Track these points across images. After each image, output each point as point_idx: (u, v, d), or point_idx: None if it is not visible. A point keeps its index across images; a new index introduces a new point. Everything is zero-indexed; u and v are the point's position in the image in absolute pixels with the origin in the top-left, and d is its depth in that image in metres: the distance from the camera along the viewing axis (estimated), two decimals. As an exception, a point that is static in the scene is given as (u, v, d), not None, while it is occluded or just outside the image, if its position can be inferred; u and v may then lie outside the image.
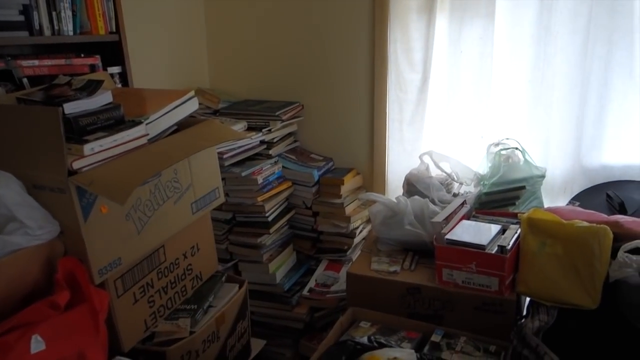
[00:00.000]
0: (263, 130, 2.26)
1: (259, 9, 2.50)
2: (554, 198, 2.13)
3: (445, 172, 2.12)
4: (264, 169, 2.20)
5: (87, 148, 1.26)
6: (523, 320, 1.59)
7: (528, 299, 1.66)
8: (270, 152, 2.28)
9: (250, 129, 2.27)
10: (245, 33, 2.56)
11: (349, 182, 2.34)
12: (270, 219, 2.20)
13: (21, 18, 1.55)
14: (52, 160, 1.23)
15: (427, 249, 1.79)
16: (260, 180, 2.14)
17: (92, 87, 1.42)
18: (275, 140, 2.33)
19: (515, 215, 1.79)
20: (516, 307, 1.59)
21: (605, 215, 1.62)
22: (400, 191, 2.19)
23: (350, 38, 2.34)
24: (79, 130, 1.31)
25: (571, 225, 1.52)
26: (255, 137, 2.23)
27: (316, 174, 2.31)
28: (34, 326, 1.08)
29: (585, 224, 1.51)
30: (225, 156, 2.08)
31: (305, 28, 2.42)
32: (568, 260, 1.50)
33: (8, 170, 1.25)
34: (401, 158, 2.36)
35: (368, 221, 2.39)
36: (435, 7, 2.11)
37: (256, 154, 2.26)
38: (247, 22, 2.54)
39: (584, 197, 1.95)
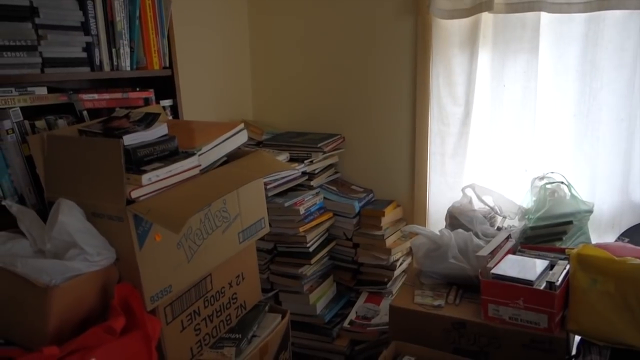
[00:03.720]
0: (305, 161, 2.30)
1: (302, 44, 2.57)
2: (602, 234, 2.08)
3: (489, 206, 2.10)
4: (305, 199, 2.22)
5: (145, 178, 1.32)
6: None
7: (578, 337, 1.61)
8: (312, 183, 2.32)
9: (292, 160, 2.31)
10: (288, 67, 2.64)
11: (390, 214, 2.35)
12: (311, 249, 2.22)
13: (84, 55, 1.64)
14: (112, 189, 1.29)
15: (472, 283, 1.77)
16: (302, 210, 2.17)
17: (149, 120, 1.48)
18: (316, 171, 2.36)
19: (562, 251, 1.75)
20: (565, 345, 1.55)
21: (659, 253, 1.58)
22: (441, 224, 2.18)
23: (392, 72, 2.38)
24: (137, 161, 1.37)
25: (623, 262, 1.48)
26: (298, 168, 2.27)
27: (357, 206, 2.32)
28: (92, 350, 1.12)
29: (638, 261, 1.48)
30: (268, 187, 2.11)
31: (347, 61, 2.48)
32: (621, 299, 1.46)
33: (70, 198, 1.31)
34: (443, 190, 2.35)
35: (408, 254, 2.38)
36: (478, 42, 2.12)
37: (298, 185, 2.29)
38: (290, 56, 2.62)
39: (634, 233, 1.90)
